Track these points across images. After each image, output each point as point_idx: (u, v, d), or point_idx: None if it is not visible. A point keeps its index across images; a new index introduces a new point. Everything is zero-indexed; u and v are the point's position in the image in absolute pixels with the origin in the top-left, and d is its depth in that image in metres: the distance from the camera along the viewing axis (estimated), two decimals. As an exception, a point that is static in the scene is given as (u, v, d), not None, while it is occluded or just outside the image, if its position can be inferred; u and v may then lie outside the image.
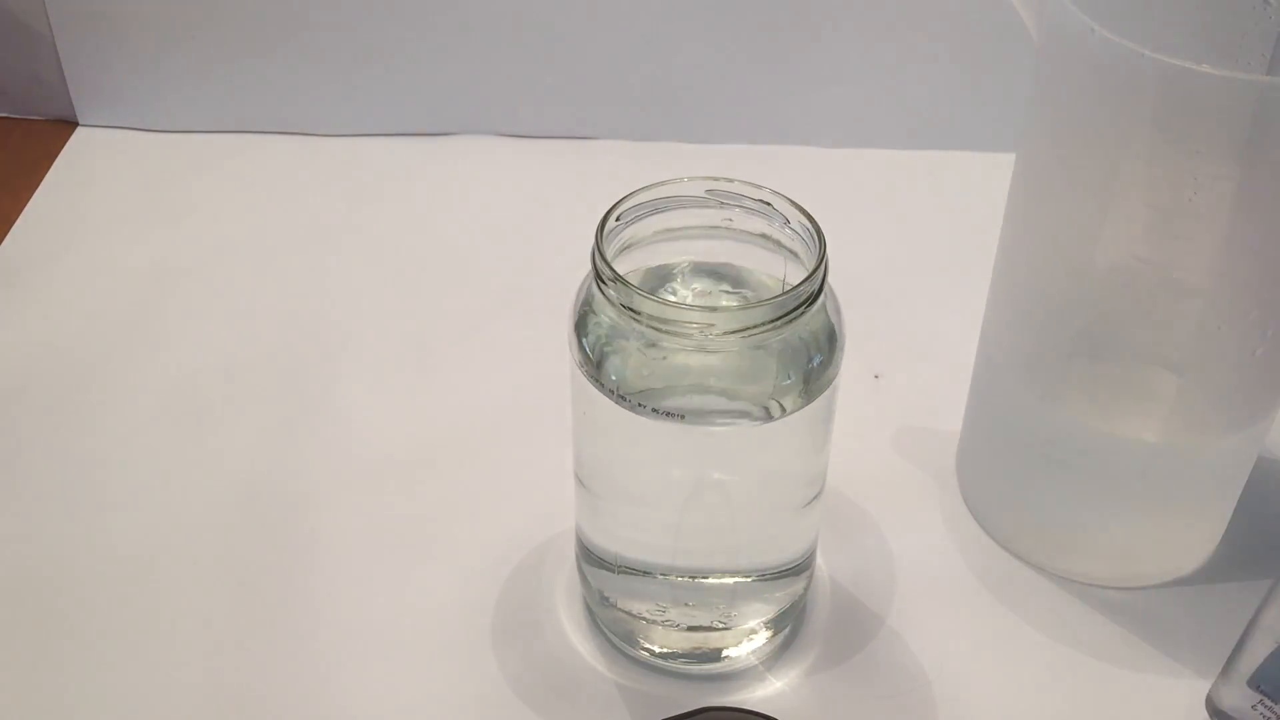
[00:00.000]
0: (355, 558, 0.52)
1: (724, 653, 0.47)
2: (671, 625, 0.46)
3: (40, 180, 0.73)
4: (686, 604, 0.46)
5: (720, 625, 0.46)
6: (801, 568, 0.47)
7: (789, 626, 0.48)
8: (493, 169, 0.75)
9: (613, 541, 0.45)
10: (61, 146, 0.75)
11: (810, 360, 0.41)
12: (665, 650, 0.47)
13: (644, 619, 0.46)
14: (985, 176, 0.75)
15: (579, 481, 0.46)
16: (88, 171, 0.74)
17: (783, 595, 0.47)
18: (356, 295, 0.66)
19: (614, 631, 0.48)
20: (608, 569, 0.46)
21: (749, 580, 0.46)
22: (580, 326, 0.41)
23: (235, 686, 0.47)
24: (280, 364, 0.61)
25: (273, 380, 0.60)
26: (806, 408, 0.41)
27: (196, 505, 0.54)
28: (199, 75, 0.75)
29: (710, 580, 0.46)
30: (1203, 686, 0.46)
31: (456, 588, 0.51)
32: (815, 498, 0.45)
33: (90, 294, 0.65)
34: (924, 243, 0.70)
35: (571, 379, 0.42)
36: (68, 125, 0.77)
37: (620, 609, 0.47)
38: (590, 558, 0.47)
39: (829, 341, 0.41)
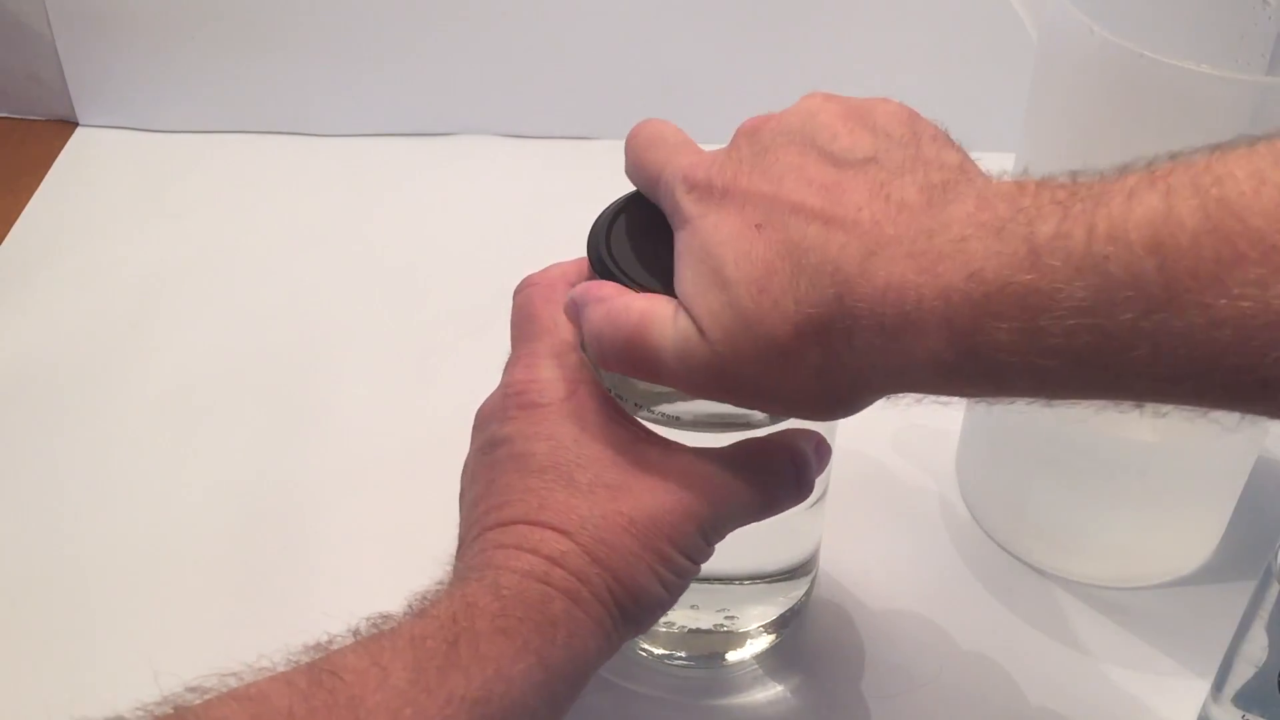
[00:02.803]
0: (355, 558, 0.52)
1: (725, 656, 0.47)
2: (673, 628, 0.46)
3: (40, 180, 0.73)
4: (688, 607, 0.46)
5: (722, 628, 0.46)
6: (804, 571, 0.47)
7: (790, 629, 0.48)
8: (493, 169, 0.75)
9: None
10: (61, 146, 0.75)
11: None
12: (666, 652, 0.47)
13: None
14: (985, 176, 0.75)
15: None
16: (88, 171, 0.74)
17: (784, 598, 0.47)
18: (356, 295, 0.66)
19: None
20: None
21: (751, 584, 0.46)
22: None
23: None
24: (280, 364, 0.61)
25: (272, 380, 0.60)
26: None
27: (196, 505, 0.54)
28: (199, 75, 0.75)
29: (712, 584, 0.46)
30: (1202, 686, 0.46)
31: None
32: (818, 501, 0.45)
33: (90, 294, 0.65)
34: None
35: None
36: (68, 125, 0.77)
37: None
38: None
39: None
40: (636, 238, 0.40)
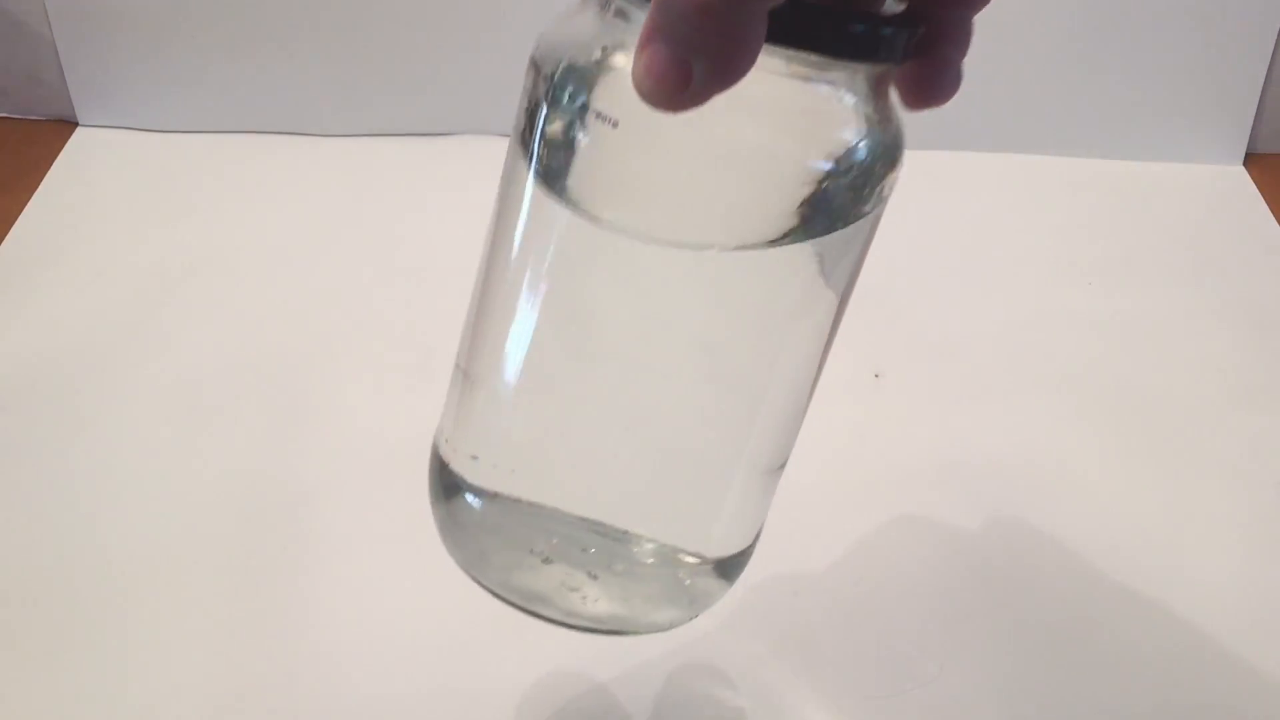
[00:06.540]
0: (356, 558, 0.52)
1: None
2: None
3: (40, 180, 0.73)
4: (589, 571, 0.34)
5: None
6: (728, 566, 0.34)
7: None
8: (493, 169, 0.74)
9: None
10: (61, 146, 0.75)
11: (856, 152, 0.26)
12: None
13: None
14: (985, 176, 0.75)
15: (464, 375, 0.34)
16: (88, 171, 0.74)
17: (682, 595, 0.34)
18: (357, 295, 0.66)
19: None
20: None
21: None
22: (531, 122, 0.29)
23: (235, 687, 0.47)
24: (281, 364, 0.61)
25: (273, 380, 0.60)
26: (834, 239, 0.27)
27: (196, 505, 0.54)
28: (199, 75, 0.75)
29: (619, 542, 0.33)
30: (1202, 685, 0.46)
31: (459, 586, 0.51)
32: (780, 467, 0.34)
33: (90, 294, 0.65)
34: (924, 242, 0.70)
35: (498, 199, 0.34)
36: (68, 125, 0.77)
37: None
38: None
39: (892, 140, 0.27)
40: None
